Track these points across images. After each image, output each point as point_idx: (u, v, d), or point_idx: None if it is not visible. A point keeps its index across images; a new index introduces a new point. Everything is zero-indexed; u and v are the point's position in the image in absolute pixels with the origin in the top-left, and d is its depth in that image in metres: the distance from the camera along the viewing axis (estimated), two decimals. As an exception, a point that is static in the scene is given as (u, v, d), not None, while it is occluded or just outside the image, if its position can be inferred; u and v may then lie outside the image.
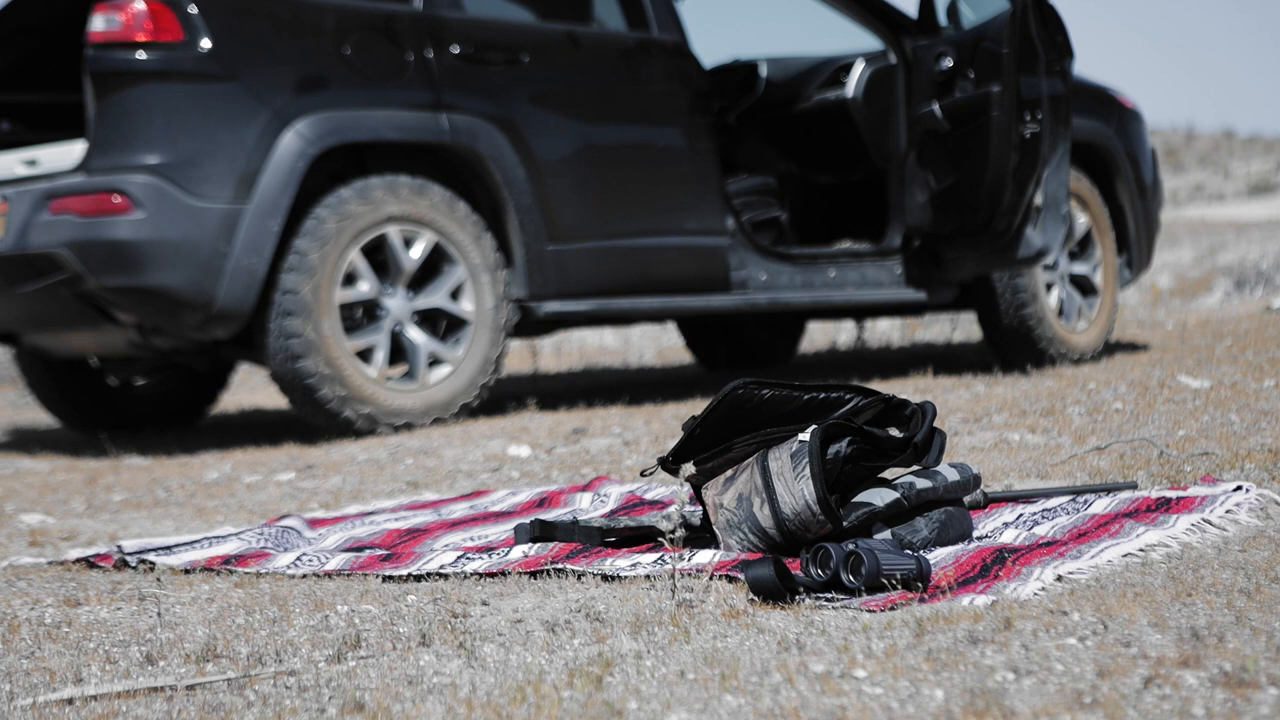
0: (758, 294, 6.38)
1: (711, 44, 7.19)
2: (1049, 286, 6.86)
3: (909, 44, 6.47)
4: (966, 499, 3.27)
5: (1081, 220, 7.04)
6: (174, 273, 5.39)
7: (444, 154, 5.88)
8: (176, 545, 3.56)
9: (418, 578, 3.15)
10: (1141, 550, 2.87)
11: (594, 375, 8.53)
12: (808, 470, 2.96)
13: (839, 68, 6.71)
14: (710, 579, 2.86)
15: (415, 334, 5.76)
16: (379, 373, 5.68)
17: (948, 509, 3.08)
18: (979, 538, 3.10)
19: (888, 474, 3.19)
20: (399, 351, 5.78)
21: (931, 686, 2.08)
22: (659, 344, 11.08)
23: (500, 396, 6.54)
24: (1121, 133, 7.23)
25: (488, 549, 3.30)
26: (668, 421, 5.42)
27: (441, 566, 3.16)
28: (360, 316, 5.73)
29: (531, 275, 5.93)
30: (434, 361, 5.80)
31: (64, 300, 5.57)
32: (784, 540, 3.01)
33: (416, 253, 5.74)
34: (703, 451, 3.12)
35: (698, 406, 5.75)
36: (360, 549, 3.43)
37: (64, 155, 5.53)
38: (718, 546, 3.12)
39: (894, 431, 3.11)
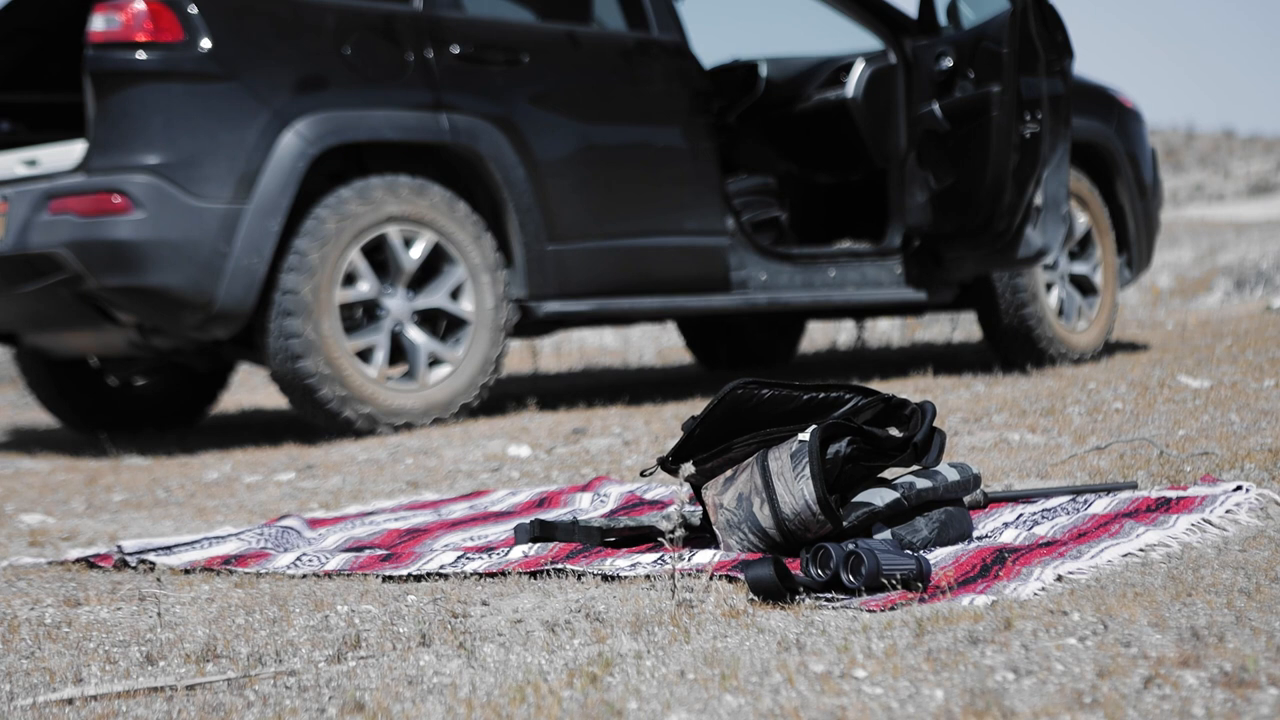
0: (758, 294, 6.38)
1: (711, 44, 7.19)
2: (1049, 286, 6.86)
3: (909, 44, 6.47)
4: (966, 499, 3.27)
5: (1081, 220, 7.04)
6: (174, 273, 5.39)
7: (444, 154, 5.88)
8: (176, 545, 3.56)
9: (418, 578, 3.15)
10: (1141, 550, 2.87)
11: (594, 375, 8.53)
12: (808, 470, 2.96)
13: (839, 68, 6.71)
14: (710, 579, 2.86)
15: (415, 334, 5.76)
16: (379, 373, 5.68)
17: (948, 509, 3.08)
18: (979, 538, 3.10)
19: (888, 474, 3.19)
20: (399, 351, 5.78)
21: (931, 686, 2.08)
22: (659, 344, 11.08)
23: (500, 396, 6.54)
24: (1121, 133, 7.23)
25: (488, 549, 3.30)
26: (668, 421, 5.42)
27: (441, 566, 3.16)
28: (360, 316, 5.73)
29: (531, 275, 5.93)
30: (434, 361, 5.80)
31: (64, 300, 5.57)
32: (784, 540, 3.01)
33: (416, 253, 5.74)
34: (702, 451, 3.12)
35: (698, 406, 5.75)
36: (360, 549, 3.43)
37: (64, 155, 5.53)
38: (718, 546, 3.12)
39: (894, 431, 3.10)
